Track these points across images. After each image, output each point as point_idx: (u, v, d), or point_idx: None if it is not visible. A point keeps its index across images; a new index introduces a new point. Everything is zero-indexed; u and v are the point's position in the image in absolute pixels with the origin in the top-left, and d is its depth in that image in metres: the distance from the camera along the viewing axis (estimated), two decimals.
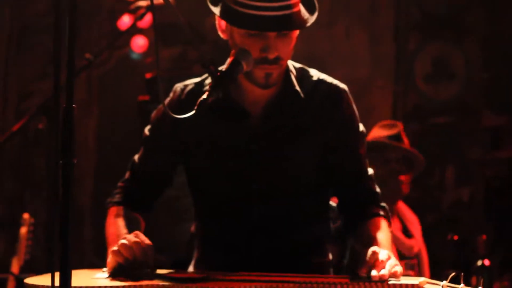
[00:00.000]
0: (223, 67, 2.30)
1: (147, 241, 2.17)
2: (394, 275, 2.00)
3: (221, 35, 2.40)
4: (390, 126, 3.95)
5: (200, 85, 2.49)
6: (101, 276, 2.12)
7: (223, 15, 2.31)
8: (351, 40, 5.88)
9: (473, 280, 3.75)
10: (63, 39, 1.71)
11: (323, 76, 2.49)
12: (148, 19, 4.37)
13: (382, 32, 5.87)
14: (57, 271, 1.65)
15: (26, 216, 4.58)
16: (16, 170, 6.22)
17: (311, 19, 2.34)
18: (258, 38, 2.27)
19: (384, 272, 1.99)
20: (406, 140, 3.96)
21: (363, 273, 2.05)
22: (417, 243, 3.91)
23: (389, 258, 2.05)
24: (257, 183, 2.41)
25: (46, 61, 6.15)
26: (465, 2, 5.76)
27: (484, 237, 4.00)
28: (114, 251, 2.13)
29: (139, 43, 5.64)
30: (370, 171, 2.51)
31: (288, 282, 1.98)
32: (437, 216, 5.67)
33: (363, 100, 5.50)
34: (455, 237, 4.42)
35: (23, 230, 4.54)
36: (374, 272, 2.00)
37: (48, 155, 3.77)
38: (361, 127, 2.50)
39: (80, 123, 5.90)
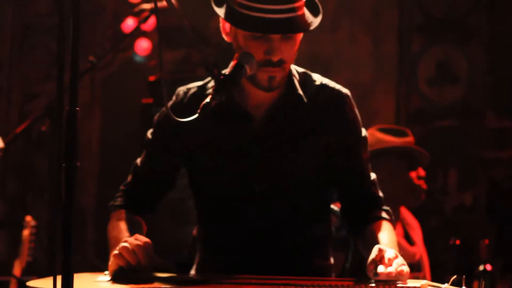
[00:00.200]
0: (226, 71, 2.30)
1: (145, 239, 2.17)
2: (400, 273, 1.98)
3: (225, 37, 2.41)
4: (400, 132, 3.95)
5: (202, 88, 2.49)
6: (103, 279, 2.12)
7: (227, 18, 2.31)
8: (354, 44, 5.88)
9: (475, 285, 3.74)
10: (67, 41, 1.71)
11: (326, 81, 2.49)
12: (152, 22, 4.39)
13: (385, 35, 5.86)
14: (59, 274, 1.65)
15: (28, 218, 4.58)
16: (19, 172, 6.23)
17: (315, 23, 2.34)
18: (262, 40, 2.27)
19: (391, 269, 1.98)
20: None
21: (370, 270, 2.04)
22: (419, 250, 3.91)
23: (396, 257, 2.04)
24: (259, 185, 2.41)
25: (50, 62, 6.15)
26: (469, 5, 5.76)
27: (487, 241, 3.99)
28: (115, 255, 2.13)
29: (143, 46, 5.65)
30: (373, 175, 2.51)
31: (290, 284, 1.98)
32: (440, 220, 5.66)
33: (366, 103, 5.50)
34: (457, 242, 4.41)
35: (26, 232, 4.54)
36: (381, 268, 1.99)
37: (51, 157, 3.77)
38: (364, 132, 2.50)
39: (83, 125, 5.90)
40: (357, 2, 5.87)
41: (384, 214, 2.44)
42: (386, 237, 2.29)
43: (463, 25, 5.77)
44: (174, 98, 2.53)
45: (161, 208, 2.62)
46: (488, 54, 5.75)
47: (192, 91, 2.50)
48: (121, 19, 5.51)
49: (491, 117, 5.72)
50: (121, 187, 2.58)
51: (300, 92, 2.43)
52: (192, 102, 2.43)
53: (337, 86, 2.49)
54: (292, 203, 2.44)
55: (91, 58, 3.50)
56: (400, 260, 2.03)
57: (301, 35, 2.36)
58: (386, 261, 2.01)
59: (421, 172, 3.92)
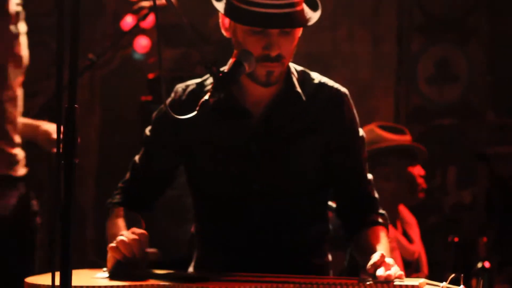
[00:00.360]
0: (225, 68, 2.30)
1: (140, 231, 2.19)
2: (398, 278, 2.02)
3: (224, 33, 2.41)
4: (399, 130, 3.96)
5: (201, 85, 2.49)
6: (101, 275, 2.12)
7: (226, 12, 2.32)
8: (353, 42, 5.89)
9: (473, 282, 3.75)
10: (66, 39, 1.71)
11: (325, 80, 2.50)
12: (151, 19, 4.38)
13: (384, 34, 5.87)
14: (57, 270, 1.65)
15: None
16: None
17: (313, 18, 2.35)
18: (260, 35, 2.28)
19: (390, 273, 2.01)
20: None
21: (370, 272, 2.06)
22: (417, 248, 3.93)
23: (394, 265, 2.07)
24: (258, 183, 2.41)
25: (50, 60, 6.15)
26: (468, 4, 5.76)
27: (485, 239, 4.00)
28: (112, 248, 2.16)
29: (142, 43, 5.65)
30: (370, 176, 2.51)
31: (288, 282, 1.98)
32: (439, 218, 5.67)
33: (365, 102, 5.51)
34: (456, 239, 4.41)
35: None
36: (381, 271, 2.01)
37: (50, 155, 3.78)
38: (361, 132, 2.50)
39: (82, 123, 5.89)
40: (356, 1, 5.87)
41: (380, 219, 2.44)
42: (380, 247, 2.30)
43: (462, 24, 5.78)
44: (172, 95, 2.53)
45: (160, 206, 2.62)
46: (488, 53, 5.76)
47: (190, 88, 2.51)
48: (120, 17, 5.52)
49: (491, 116, 5.72)
50: (120, 185, 2.58)
51: (299, 90, 2.43)
52: (190, 99, 2.44)
53: (336, 85, 2.49)
54: (291, 201, 2.44)
55: (90, 55, 3.51)
56: (397, 268, 2.06)
57: (299, 31, 2.37)
58: (386, 264, 2.05)
59: (421, 171, 3.93)
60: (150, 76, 4.96)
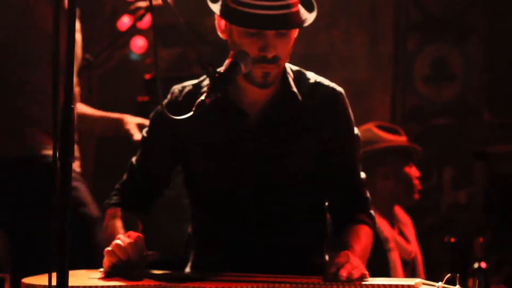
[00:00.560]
0: (221, 69, 2.31)
1: (136, 234, 2.19)
2: (350, 278, 2.01)
3: (221, 35, 2.42)
4: (395, 130, 3.97)
5: (198, 86, 2.50)
6: (97, 276, 2.13)
7: (222, 14, 2.33)
8: (350, 41, 5.89)
9: (470, 283, 3.75)
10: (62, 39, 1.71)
11: (320, 79, 2.50)
12: (147, 20, 4.38)
13: (381, 33, 5.87)
14: (54, 271, 1.66)
15: None
16: None
17: (309, 19, 2.36)
18: (256, 37, 2.29)
19: (352, 276, 2.00)
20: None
21: (331, 271, 2.04)
22: (413, 248, 3.94)
23: (358, 266, 2.06)
24: (254, 183, 2.42)
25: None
26: (465, 2, 5.76)
27: (481, 239, 4.01)
28: (108, 251, 2.16)
29: (139, 44, 5.64)
30: (363, 175, 2.51)
31: (284, 282, 1.99)
32: (435, 219, 5.67)
33: (362, 101, 5.51)
34: (452, 240, 4.42)
35: None
36: (343, 272, 2.01)
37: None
38: (356, 131, 2.51)
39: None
40: (353, 1, 5.88)
41: (366, 219, 2.44)
42: (358, 246, 2.29)
43: (459, 23, 5.78)
44: (169, 96, 2.53)
45: (157, 206, 2.62)
46: (485, 52, 5.76)
47: (187, 89, 2.51)
48: (117, 17, 5.51)
49: (488, 115, 5.73)
50: (117, 186, 2.58)
51: (295, 89, 2.44)
52: (187, 100, 2.44)
53: (331, 84, 2.50)
54: (287, 201, 2.45)
55: (87, 56, 3.50)
56: (362, 269, 2.05)
57: (295, 32, 2.37)
58: (349, 265, 2.03)
59: (416, 172, 3.94)
60: (147, 76, 4.96)
